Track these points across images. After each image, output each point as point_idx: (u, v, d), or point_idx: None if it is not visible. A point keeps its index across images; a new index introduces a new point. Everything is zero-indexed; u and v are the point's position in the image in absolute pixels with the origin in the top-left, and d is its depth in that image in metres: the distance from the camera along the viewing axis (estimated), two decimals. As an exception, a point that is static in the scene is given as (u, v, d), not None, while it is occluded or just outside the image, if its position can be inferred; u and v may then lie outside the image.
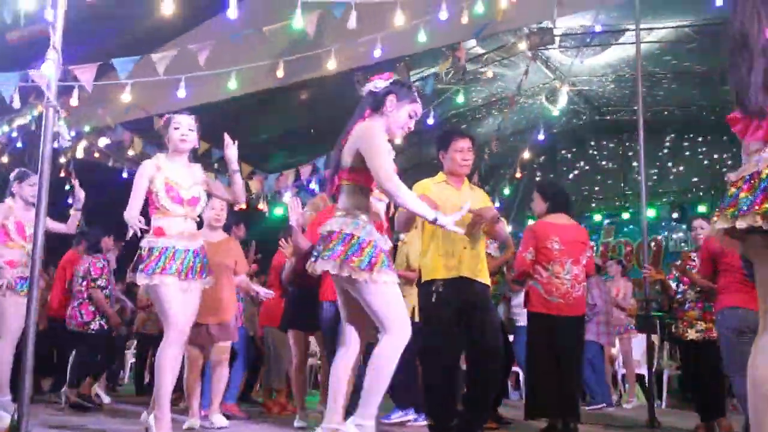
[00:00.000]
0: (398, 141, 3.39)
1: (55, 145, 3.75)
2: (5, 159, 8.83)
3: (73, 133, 3.87)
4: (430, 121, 8.02)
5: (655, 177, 12.92)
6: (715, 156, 12.33)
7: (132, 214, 3.65)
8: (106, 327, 6.09)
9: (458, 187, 4.08)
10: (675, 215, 12.33)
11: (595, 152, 13.50)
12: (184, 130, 3.86)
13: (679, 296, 5.05)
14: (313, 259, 3.08)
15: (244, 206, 4.77)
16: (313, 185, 8.35)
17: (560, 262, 4.49)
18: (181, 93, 5.49)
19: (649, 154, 12.90)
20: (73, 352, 6.04)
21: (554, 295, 4.47)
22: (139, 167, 3.87)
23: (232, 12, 4.31)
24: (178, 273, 3.71)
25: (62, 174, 8.99)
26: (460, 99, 9.42)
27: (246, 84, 5.94)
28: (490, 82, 10.70)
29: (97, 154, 8.73)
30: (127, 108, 8.06)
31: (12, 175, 4.95)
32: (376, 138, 3.00)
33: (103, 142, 9.04)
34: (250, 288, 5.15)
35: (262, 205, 9.32)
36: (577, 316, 4.56)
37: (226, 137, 3.89)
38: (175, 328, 3.66)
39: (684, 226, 12.10)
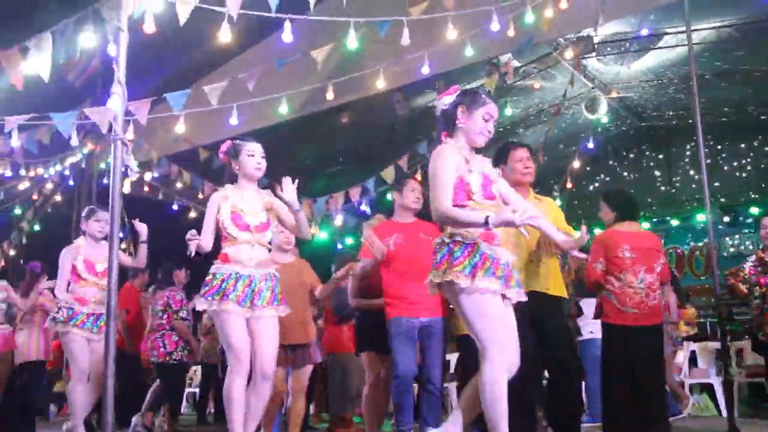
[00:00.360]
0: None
1: (132, 178, 3.71)
2: (58, 197, 9.03)
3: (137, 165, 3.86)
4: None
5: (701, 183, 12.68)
6: (764, 158, 12.04)
7: (202, 245, 3.67)
8: (186, 359, 6.27)
9: (524, 198, 4.01)
10: (726, 219, 12.02)
11: (639, 159, 13.29)
12: (258, 158, 3.85)
13: (756, 300, 4.88)
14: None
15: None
16: (364, 207, 8.33)
17: (633, 271, 4.37)
18: (234, 120, 5.53)
19: (694, 157, 12.87)
20: (156, 382, 6.29)
21: (628, 305, 4.34)
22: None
23: (287, 36, 4.32)
24: (238, 300, 3.66)
25: (112, 209, 9.14)
26: (508, 111, 9.38)
27: (296, 108, 5.96)
28: (527, 94, 10.64)
29: (146, 188, 8.85)
30: (173, 139, 8.21)
31: (83, 213, 5.05)
32: (436, 168, 3.06)
33: (148, 176, 9.20)
34: (328, 286, 5.12)
35: (312, 230, 9.33)
36: (654, 325, 4.42)
37: (287, 180, 3.77)
38: (236, 356, 3.62)
39: (736, 230, 11.84)
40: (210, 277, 3.73)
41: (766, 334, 4.92)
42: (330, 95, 5.58)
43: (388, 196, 9.30)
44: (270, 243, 3.96)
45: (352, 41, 4.60)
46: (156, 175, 8.87)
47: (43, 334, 6.18)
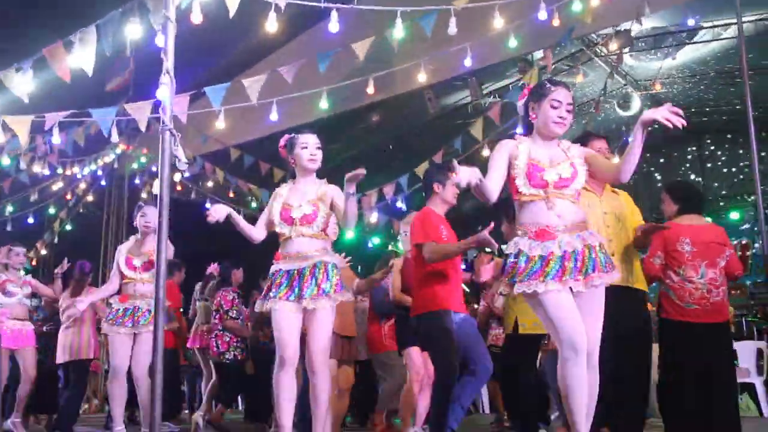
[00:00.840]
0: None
1: (182, 170, 3.65)
2: (90, 198, 9.04)
3: (186, 158, 3.80)
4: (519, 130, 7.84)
5: (735, 179, 12.46)
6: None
7: (244, 229, 3.77)
8: (240, 357, 6.27)
9: (599, 193, 3.93)
10: (763, 217, 11.79)
11: (670, 155, 13.10)
12: (312, 149, 3.77)
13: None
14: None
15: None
16: (400, 203, 8.24)
17: (693, 266, 4.17)
18: (274, 116, 5.46)
19: (728, 153, 12.65)
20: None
21: (688, 301, 4.14)
22: None
23: (333, 26, 4.25)
24: (286, 296, 3.60)
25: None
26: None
27: (336, 104, 5.88)
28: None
29: (179, 187, 8.83)
30: (203, 139, 8.18)
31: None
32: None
33: (177, 176, 9.18)
34: (364, 283, 5.14)
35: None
36: (718, 323, 4.21)
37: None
38: (280, 353, 3.58)
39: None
40: (269, 280, 3.73)
41: None
42: (371, 89, 5.48)
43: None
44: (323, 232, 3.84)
45: (398, 31, 4.51)
46: (187, 174, 8.85)
47: (93, 333, 6.19)
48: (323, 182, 3.85)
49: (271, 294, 3.62)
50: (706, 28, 9.30)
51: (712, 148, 12.74)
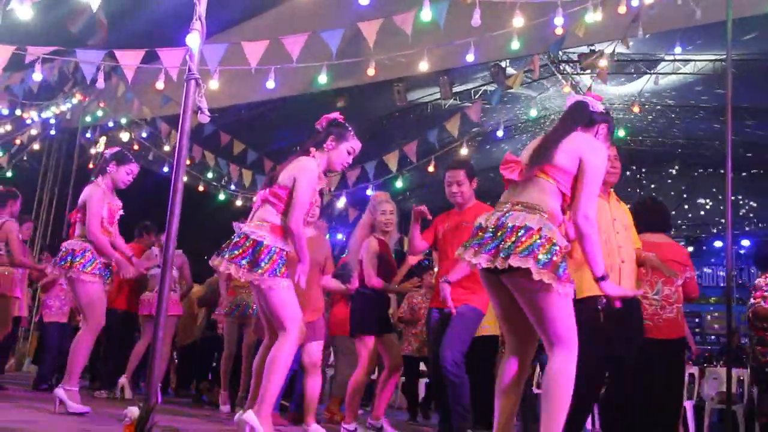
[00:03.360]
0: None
1: (203, 120, 3.48)
2: (37, 146, 8.51)
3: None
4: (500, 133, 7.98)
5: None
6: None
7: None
8: None
9: (606, 199, 3.81)
10: (690, 249, 12.50)
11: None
12: (351, 158, 3.63)
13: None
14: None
15: None
16: (370, 191, 8.17)
17: (649, 282, 4.21)
18: (270, 84, 5.32)
19: (665, 182, 13.27)
20: None
21: (641, 317, 4.16)
22: None
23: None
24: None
25: (91, 166, 8.71)
26: (533, 113, 9.44)
27: (335, 79, 5.78)
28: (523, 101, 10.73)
29: (136, 146, 8.46)
30: (165, 100, 7.86)
31: (109, 154, 4.52)
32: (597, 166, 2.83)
33: (125, 136, 8.81)
34: (339, 287, 4.95)
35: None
36: (667, 340, 4.22)
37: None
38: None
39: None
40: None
41: None
42: (371, 71, 5.42)
43: (398, 183, 9.29)
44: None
45: (426, 13, 4.48)
46: (145, 135, 8.49)
47: None
48: None
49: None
50: (668, 61, 9.74)
51: (650, 176, 13.37)
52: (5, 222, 5.39)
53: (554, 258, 2.62)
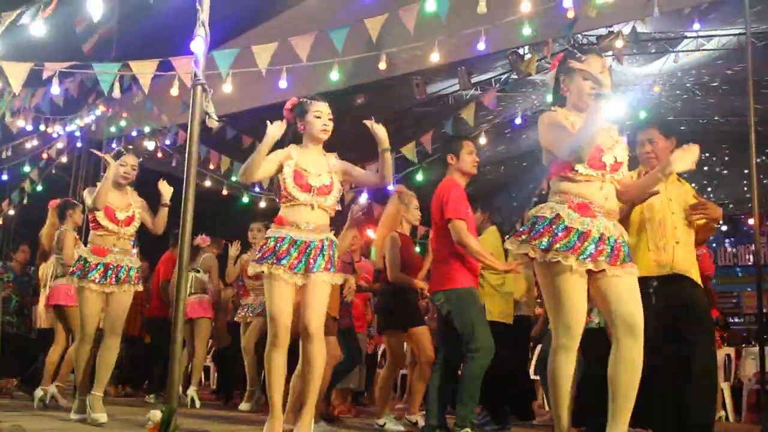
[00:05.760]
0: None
1: (212, 125, 3.53)
2: (64, 159, 8.71)
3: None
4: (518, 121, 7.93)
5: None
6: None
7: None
8: None
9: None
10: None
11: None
12: (326, 119, 3.61)
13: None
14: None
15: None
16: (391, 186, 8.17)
17: None
18: (283, 84, 5.35)
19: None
20: None
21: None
22: None
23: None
24: (291, 266, 3.43)
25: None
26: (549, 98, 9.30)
27: (348, 76, 5.80)
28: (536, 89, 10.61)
29: (160, 154, 8.60)
30: (183, 107, 7.95)
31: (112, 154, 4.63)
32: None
33: (152, 144, 8.93)
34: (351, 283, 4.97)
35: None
36: None
37: (370, 122, 3.61)
38: (275, 328, 3.42)
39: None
40: (264, 241, 3.55)
41: None
42: (383, 65, 5.42)
43: (419, 177, 9.27)
44: (333, 207, 3.68)
45: (431, 4, 4.47)
46: (168, 142, 8.61)
47: None
48: (335, 155, 3.72)
49: (273, 259, 3.43)
50: (690, 38, 9.53)
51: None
52: (62, 232, 5.51)
53: None
